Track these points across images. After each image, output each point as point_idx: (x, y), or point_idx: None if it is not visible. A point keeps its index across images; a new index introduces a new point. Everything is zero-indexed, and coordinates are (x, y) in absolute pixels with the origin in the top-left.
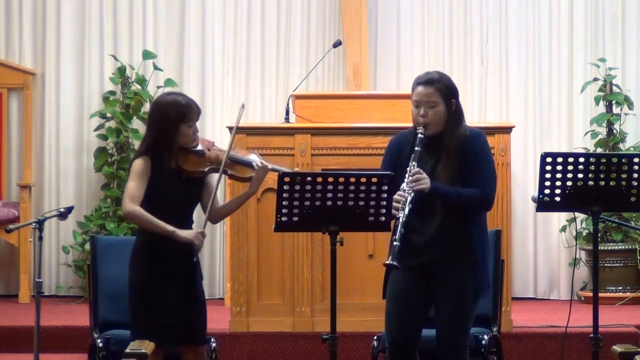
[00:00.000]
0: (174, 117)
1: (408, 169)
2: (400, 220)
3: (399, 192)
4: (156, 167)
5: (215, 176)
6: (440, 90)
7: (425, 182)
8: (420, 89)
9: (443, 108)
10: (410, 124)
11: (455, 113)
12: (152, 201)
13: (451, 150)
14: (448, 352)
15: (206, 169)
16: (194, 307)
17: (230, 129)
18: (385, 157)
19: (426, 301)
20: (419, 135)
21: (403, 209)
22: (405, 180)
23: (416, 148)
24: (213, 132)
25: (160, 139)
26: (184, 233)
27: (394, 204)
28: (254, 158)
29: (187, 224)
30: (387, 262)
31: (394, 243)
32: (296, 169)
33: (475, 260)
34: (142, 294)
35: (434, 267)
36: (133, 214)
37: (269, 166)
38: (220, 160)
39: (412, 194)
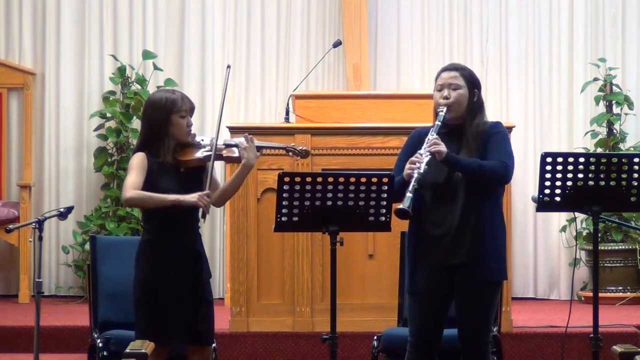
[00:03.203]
0: (164, 107)
1: (426, 138)
2: (415, 176)
3: (415, 155)
4: (153, 163)
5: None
6: (464, 75)
7: (443, 147)
8: (444, 74)
9: (466, 92)
10: (411, 124)
11: (476, 103)
12: None
13: (471, 139)
14: (473, 349)
15: (202, 156)
16: (200, 306)
17: (230, 128)
18: (404, 148)
19: (448, 297)
20: (440, 113)
21: (419, 168)
22: (424, 146)
23: (437, 122)
24: (213, 132)
25: (154, 132)
26: (187, 197)
27: (408, 164)
28: (241, 139)
29: (191, 219)
30: (400, 206)
31: (407, 194)
32: (292, 145)
33: (492, 252)
34: (148, 293)
35: (454, 262)
36: (132, 199)
37: (253, 140)
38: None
39: (429, 156)
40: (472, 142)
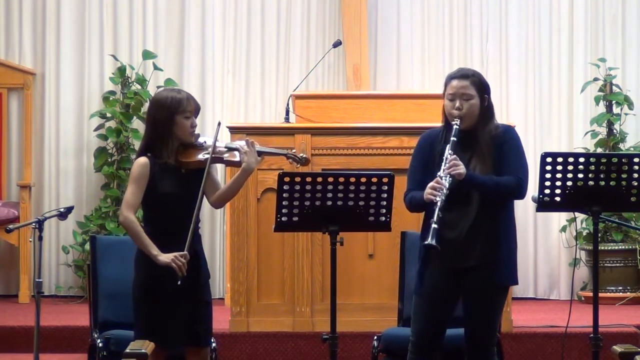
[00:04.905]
0: (168, 107)
1: (444, 157)
2: (439, 204)
3: (436, 179)
4: (156, 165)
5: (216, 169)
6: (475, 83)
7: (462, 168)
8: (455, 82)
9: (477, 101)
10: (411, 124)
11: (487, 108)
12: (153, 199)
13: (484, 145)
14: (478, 352)
15: (203, 158)
16: (199, 307)
17: (230, 128)
18: (416, 154)
19: (454, 300)
20: (455, 126)
21: (441, 194)
22: (442, 167)
23: (452, 138)
24: (213, 132)
25: (158, 133)
26: (163, 257)
27: (430, 190)
28: (242, 142)
29: (187, 220)
30: (427, 242)
31: (433, 225)
32: (293, 151)
33: (505, 257)
34: (147, 294)
35: (465, 265)
36: (125, 225)
37: (254, 144)
38: (215, 149)
39: (450, 179)
40: (484, 149)
